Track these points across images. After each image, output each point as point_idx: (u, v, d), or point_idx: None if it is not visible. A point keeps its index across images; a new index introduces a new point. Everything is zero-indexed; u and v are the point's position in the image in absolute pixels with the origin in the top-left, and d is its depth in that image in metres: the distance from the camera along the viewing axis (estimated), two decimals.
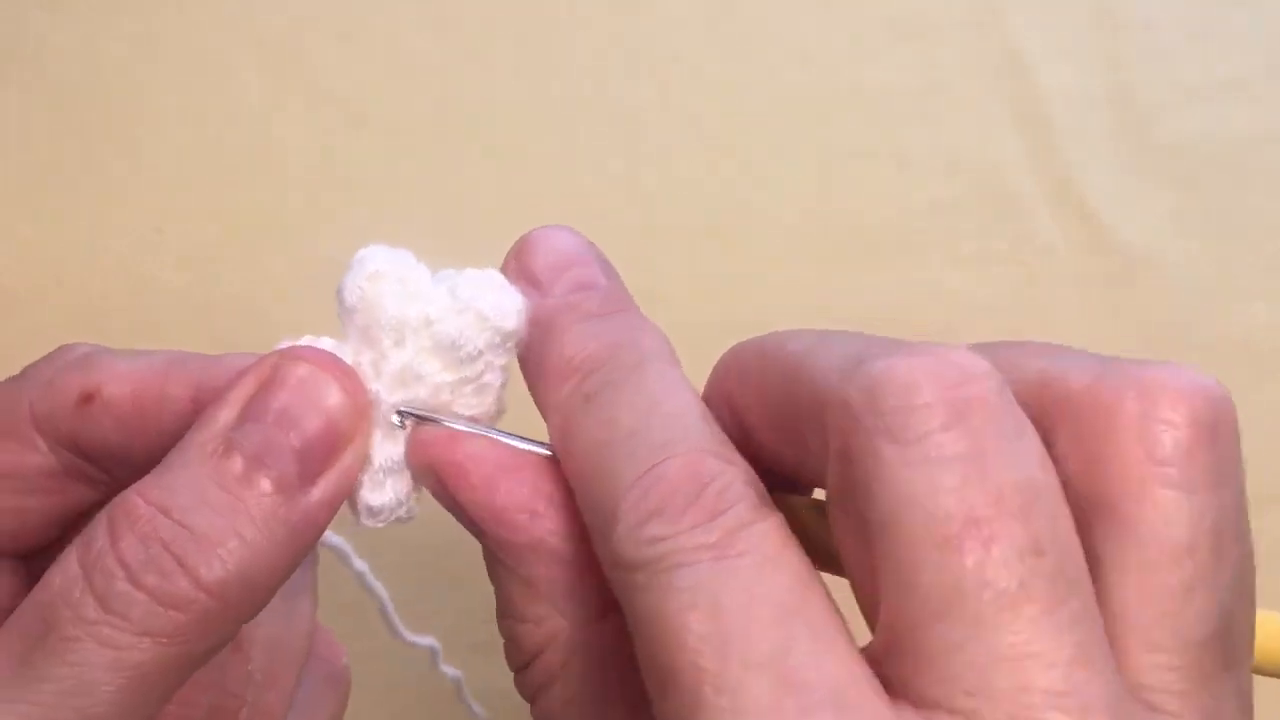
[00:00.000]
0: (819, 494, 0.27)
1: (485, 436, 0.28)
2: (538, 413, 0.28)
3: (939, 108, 0.53)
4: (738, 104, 0.52)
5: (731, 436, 0.25)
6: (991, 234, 0.52)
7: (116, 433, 0.29)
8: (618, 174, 0.52)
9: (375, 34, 0.52)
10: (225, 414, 0.27)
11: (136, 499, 0.26)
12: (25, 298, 0.50)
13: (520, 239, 0.29)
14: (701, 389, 0.27)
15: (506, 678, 0.28)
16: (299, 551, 0.27)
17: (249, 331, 0.49)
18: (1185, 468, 0.22)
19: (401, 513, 0.29)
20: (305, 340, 0.28)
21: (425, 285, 0.28)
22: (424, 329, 0.28)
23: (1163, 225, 0.52)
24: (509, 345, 0.28)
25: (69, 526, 0.31)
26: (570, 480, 0.26)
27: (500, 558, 0.27)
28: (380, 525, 0.29)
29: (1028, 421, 0.23)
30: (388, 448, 0.28)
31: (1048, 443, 0.23)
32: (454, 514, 0.28)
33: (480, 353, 0.28)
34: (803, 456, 0.25)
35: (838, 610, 0.23)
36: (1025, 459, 0.22)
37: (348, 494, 0.28)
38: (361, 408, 0.28)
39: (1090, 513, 0.23)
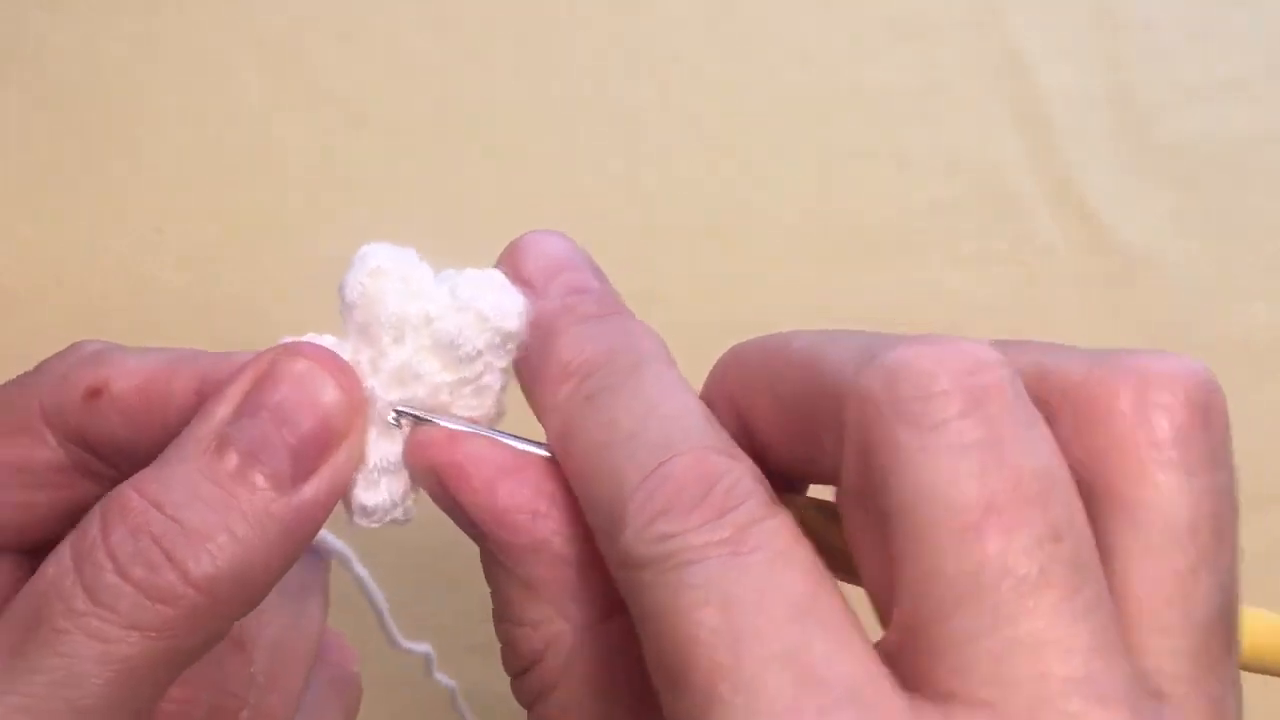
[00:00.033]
0: (817, 493, 0.27)
1: (485, 437, 0.27)
2: (534, 416, 0.28)
3: (939, 108, 0.53)
4: (738, 104, 0.52)
5: (733, 437, 0.25)
6: (991, 234, 0.52)
7: (124, 428, 0.29)
8: (618, 174, 0.52)
9: (375, 34, 0.52)
10: (221, 409, 0.27)
11: (130, 492, 0.26)
12: (25, 298, 0.50)
13: (510, 244, 0.29)
14: (699, 391, 0.27)
15: (503, 682, 0.28)
16: (293, 549, 0.26)
17: (249, 331, 0.49)
18: (1184, 450, 0.22)
19: (398, 514, 0.29)
20: (308, 337, 0.28)
21: (427, 284, 0.28)
22: (424, 327, 0.28)
23: (1163, 225, 0.52)
24: (509, 347, 0.28)
25: (74, 522, 0.31)
26: (572, 481, 0.26)
27: (500, 560, 0.27)
28: (374, 525, 0.29)
29: (1037, 411, 0.23)
30: (383, 446, 0.28)
31: None
32: (451, 516, 0.27)
33: (480, 353, 0.28)
34: (812, 453, 0.25)
35: (850, 607, 0.22)
36: (1040, 446, 0.22)
37: (343, 492, 0.28)
38: (357, 405, 0.28)
39: (1094, 500, 0.23)
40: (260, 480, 0.26)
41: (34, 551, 0.31)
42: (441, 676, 0.41)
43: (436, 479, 0.27)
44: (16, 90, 0.51)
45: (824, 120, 0.52)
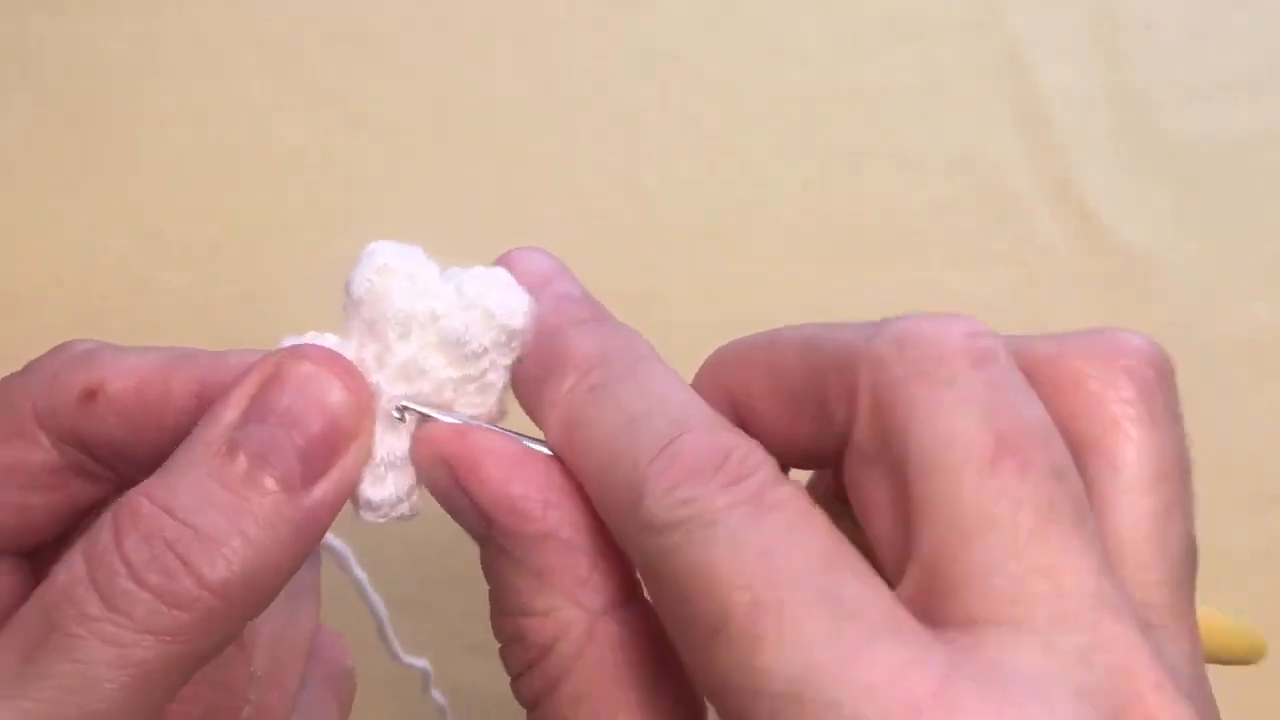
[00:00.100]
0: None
1: (492, 430, 0.28)
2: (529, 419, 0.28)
3: (939, 108, 0.53)
4: (738, 104, 0.52)
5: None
6: (991, 234, 0.52)
7: (120, 429, 0.29)
8: (618, 174, 0.52)
9: (375, 34, 0.52)
10: (229, 413, 0.27)
11: (141, 499, 0.26)
12: (25, 298, 0.50)
13: (496, 260, 0.30)
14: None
15: (500, 684, 0.28)
16: (303, 550, 0.27)
17: (249, 331, 0.49)
18: (1149, 406, 0.26)
19: (404, 509, 0.29)
20: (309, 336, 0.28)
21: (434, 281, 0.28)
22: (430, 324, 0.28)
23: (1163, 225, 0.52)
24: (514, 345, 0.28)
25: (72, 523, 0.31)
26: (580, 469, 0.26)
27: (510, 550, 0.27)
28: (380, 520, 0.29)
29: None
30: (389, 441, 0.28)
31: None
32: (454, 511, 0.27)
33: (485, 350, 0.28)
34: (818, 428, 0.26)
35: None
36: (1035, 400, 0.24)
37: (351, 492, 0.28)
38: (364, 405, 0.28)
39: (1075, 453, 0.25)
40: (271, 483, 0.26)
41: (31, 554, 0.31)
42: (436, 694, 0.41)
43: (447, 470, 0.27)
44: (16, 90, 0.51)
45: (824, 120, 0.52)
